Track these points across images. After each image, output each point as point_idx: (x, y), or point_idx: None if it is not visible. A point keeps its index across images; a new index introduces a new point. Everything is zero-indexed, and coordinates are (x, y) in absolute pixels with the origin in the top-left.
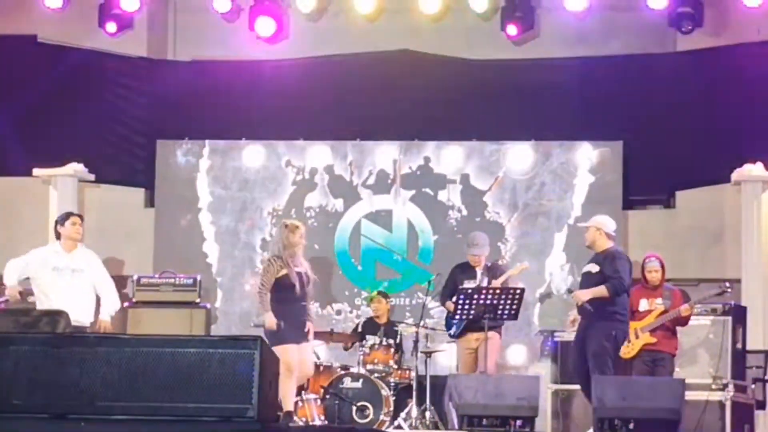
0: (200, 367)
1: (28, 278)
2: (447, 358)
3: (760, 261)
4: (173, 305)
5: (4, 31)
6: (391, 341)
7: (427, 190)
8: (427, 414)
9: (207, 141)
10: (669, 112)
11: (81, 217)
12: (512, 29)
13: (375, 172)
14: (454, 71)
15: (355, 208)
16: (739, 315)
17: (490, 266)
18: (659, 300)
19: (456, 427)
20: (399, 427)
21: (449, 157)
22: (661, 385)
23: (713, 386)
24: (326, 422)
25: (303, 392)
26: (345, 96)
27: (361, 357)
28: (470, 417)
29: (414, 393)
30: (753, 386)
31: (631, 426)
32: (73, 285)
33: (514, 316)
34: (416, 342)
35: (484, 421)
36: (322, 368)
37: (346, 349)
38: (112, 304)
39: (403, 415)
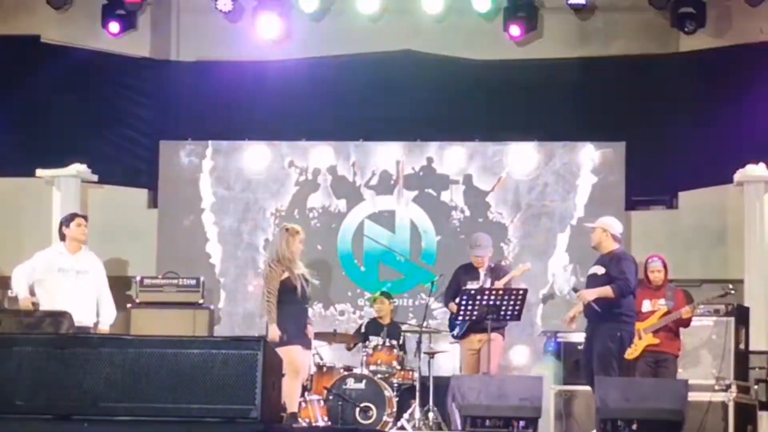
0: (203, 368)
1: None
2: (450, 359)
3: (762, 261)
4: (176, 306)
5: (8, 31)
6: (395, 342)
7: (430, 190)
8: (430, 415)
9: (210, 142)
10: (672, 112)
11: (85, 218)
12: (515, 30)
13: (378, 172)
14: (457, 71)
15: (358, 208)
16: (741, 316)
17: (494, 267)
18: (662, 301)
19: (459, 428)
20: (402, 428)
21: (452, 158)
22: (664, 386)
23: (716, 387)
24: (329, 423)
25: (306, 393)
26: (348, 96)
27: (365, 358)
28: (473, 418)
29: (417, 394)
30: (756, 387)
31: (634, 427)
32: (77, 286)
33: (517, 317)
34: (419, 343)
35: (487, 422)
36: (325, 369)
37: (349, 349)
38: (110, 314)
39: (406, 416)
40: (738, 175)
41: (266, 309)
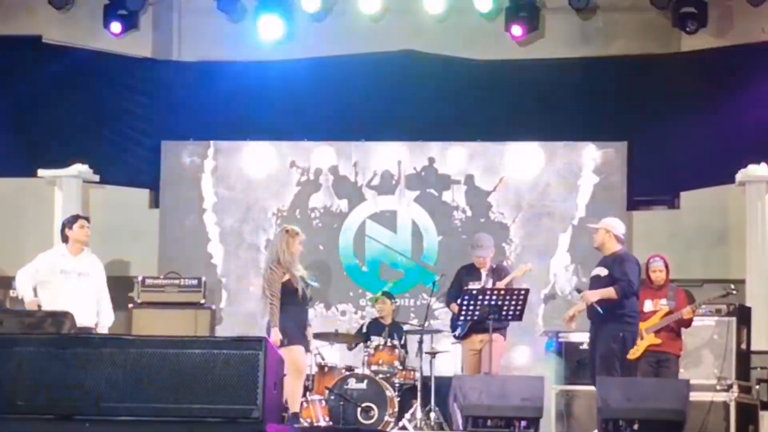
0: (205, 368)
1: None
2: (451, 359)
3: (764, 261)
4: (178, 306)
5: (9, 31)
6: (396, 342)
7: (432, 190)
8: (432, 415)
9: (212, 142)
10: (673, 112)
11: (88, 219)
12: (517, 30)
13: (379, 172)
14: (459, 71)
15: (360, 208)
16: (743, 316)
17: (495, 268)
18: (664, 301)
19: (460, 427)
20: (403, 428)
21: (454, 158)
22: (665, 386)
23: (718, 387)
24: (331, 423)
25: (308, 393)
26: (349, 96)
27: (366, 358)
28: (475, 418)
29: (419, 394)
30: (757, 387)
31: (636, 427)
32: (79, 288)
33: (519, 317)
34: (421, 343)
35: (489, 422)
36: (326, 369)
37: (350, 349)
38: (108, 317)
39: (407, 416)
40: (740, 175)
41: (269, 312)
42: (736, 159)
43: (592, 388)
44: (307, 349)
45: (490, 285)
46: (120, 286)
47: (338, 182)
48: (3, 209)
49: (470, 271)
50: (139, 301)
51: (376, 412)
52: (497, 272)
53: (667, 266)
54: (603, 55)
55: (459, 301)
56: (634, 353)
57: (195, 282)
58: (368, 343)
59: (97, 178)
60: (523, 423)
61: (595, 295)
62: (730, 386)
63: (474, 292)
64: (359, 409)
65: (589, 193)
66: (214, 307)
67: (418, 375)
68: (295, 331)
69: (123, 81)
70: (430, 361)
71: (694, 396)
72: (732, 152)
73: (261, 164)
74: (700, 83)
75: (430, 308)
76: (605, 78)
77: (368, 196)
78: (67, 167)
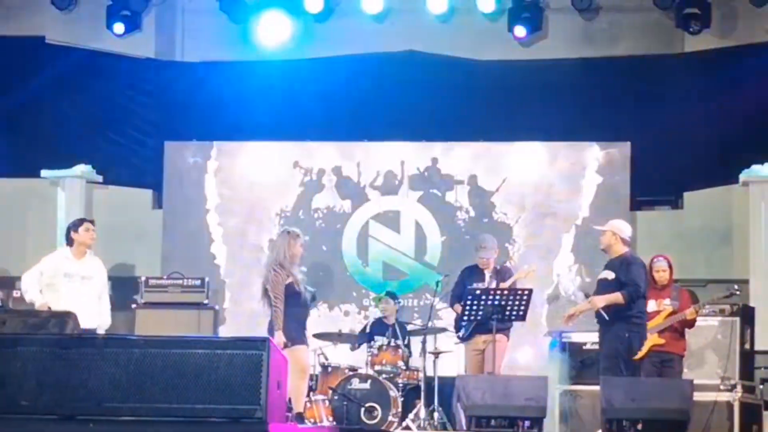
0: (208, 368)
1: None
2: (455, 359)
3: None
4: (181, 306)
5: (12, 32)
6: (400, 342)
7: (435, 191)
8: (435, 415)
9: (215, 142)
10: (677, 112)
11: (93, 222)
12: (520, 30)
13: (383, 173)
14: (462, 72)
15: (363, 209)
16: (747, 316)
17: (499, 269)
18: (667, 301)
19: (464, 427)
20: (407, 428)
21: (457, 158)
22: (669, 385)
23: (721, 387)
24: (334, 423)
25: (311, 393)
26: (352, 97)
27: (369, 358)
28: (478, 418)
29: (422, 394)
30: (761, 387)
31: (640, 427)
32: (82, 291)
33: (522, 317)
34: (424, 343)
35: (492, 422)
36: (330, 369)
37: (353, 349)
38: (106, 321)
39: (411, 416)
40: (743, 176)
41: (273, 315)
42: (739, 159)
43: (596, 387)
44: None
45: (493, 286)
46: (123, 287)
47: (341, 182)
48: (6, 210)
49: (474, 272)
50: (142, 301)
51: (379, 412)
52: (501, 273)
53: (670, 266)
54: (606, 55)
55: (463, 301)
56: (638, 353)
57: (198, 282)
58: (372, 343)
59: (100, 178)
60: (527, 423)
61: (602, 301)
62: (733, 386)
63: (478, 292)
64: (363, 409)
65: (592, 193)
66: (217, 307)
67: (421, 375)
68: (298, 332)
69: (126, 81)
70: (434, 361)
71: (698, 396)
72: (735, 152)
73: (264, 165)
74: (703, 84)
75: (433, 308)
76: (608, 78)
77: (371, 197)
78: (71, 168)
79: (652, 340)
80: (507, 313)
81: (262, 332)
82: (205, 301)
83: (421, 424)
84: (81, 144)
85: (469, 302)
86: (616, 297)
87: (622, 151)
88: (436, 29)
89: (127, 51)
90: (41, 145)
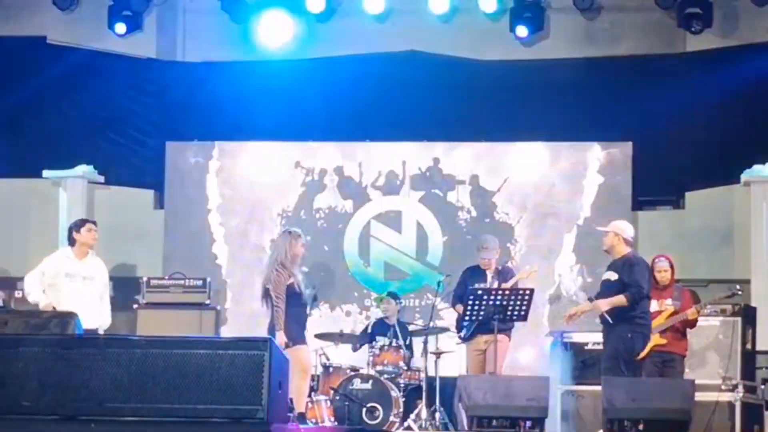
0: (210, 369)
1: None
2: (456, 359)
3: None
4: (183, 306)
5: (14, 32)
6: (401, 342)
7: (437, 191)
8: (437, 415)
9: (216, 142)
10: (678, 112)
11: (95, 223)
12: (522, 30)
13: (384, 173)
14: (463, 72)
15: (365, 209)
16: (748, 316)
17: (501, 269)
18: (669, 301)
19: (465, 428)
20: (409, 428)
21: (458, 158)
22: (670, 385)
23: (723, 387)
24: (336, 423)
25: (313, 393)
26: (354, 97)
27: (371, 358)
28: (480, 418)
29: (424, 394)
30: (763, 387)
31: (641, 427)
32: (84, 292)
33: (524, 318)
34: (426, 343)
35: (494, 422)
36: (331, 369)
37: (355, 350)
38: (106, 321)
39: (412, 416)
40: (745, 175)
41: (275, 315)
42: (741, 159)
43: (597, 388)
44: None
45: (495, 287)
46: (125, 287)
47: (343, 183)
48: (8, 210)
49: (475, 272)
50: (143, 301)
51: (381, 412)
52: (503, 274)
53: (672, 266)
54: (608, 55)
55: (464, 301)
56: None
57: (200, 282)
58: (373, 343)
59: (101, 179)
60: (528, 423)
61: (605, 305)
62: (735, 386)
63: (479, 292)
64: (364, 410)
65: (594, 193)
66: (218, 307)
67: (423, 375)
68: (299, 332)
69: (127, 82)
70: (435, 362)
71: (700, 396)
72: (737, 152)
73: (265, 165)
74: (705, 83)
75: (435, 308)
76: (610, 78)
77: (373, 197)
78: (72, 168)
79: (654, 340)
80: (508, 313)
81: (264, 332)
82: (207, 302)
83: (423, 425)
84: (82, 144)
85: (470, 302)
86: (620, 299)
87: (623, 151)
88: (438, 29)
89: (128, 51)
90: (43, 146)
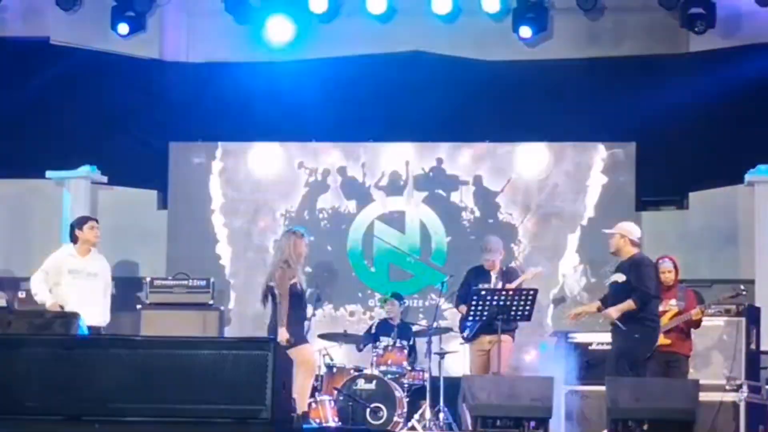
0: (214, 369)
1: None
2: (460, 359)
3: None
4: (186, 307)
5: (17, 33)
6: (405, 342)
7: (440, 191)
8: (441, 415)
9: (219, 143)
10: (682, 112)
11: (97, 221)
12: (525, 30)
13: (387, 173)
14: (466, 72)
15: (368, 209)
16: (753, 316)
17: (505, 270)
18: (673, 301)
19: (470, 428)
20: (413, 428)
21: (462, 159)
22: (675, 386)
23: (727, 387)
24: (340, 424)
25: (317, 394)
26: (357, 97)
27: (375, 358)
28: (484, 418)
29: (428, 394)
30: (767, 387)
31: (645, 427)
32: (88, 288)
33: (528, 318)
34: (429, 343)
35: (498, 422)
36: (335, 370)
37: (359, 350)
38: (106, 320)
39: (416, 416)
40: (749, 176)
41: (278, 312)
42: (744, 159)
43: (602, 388)
44: None
45: (499, 287)
46: (128, 287)
47: (346, 183)
48: (11, 211)
49: (479, 273)
50: (147, 302)
51: (385, 412)
52: (507, 275)
53: (676, 267)
54: (611, 55)
55: (468, 301)
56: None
57: (203, 283)
58: (377, 343)
59: (105, 179)
60: (533, 423)
61: (615, 312)
62: (739, 386)
63: (483, 292)
64: (368, 410)
65: (597, 193)
66: (222, 308)
67: (426, 375)
68: (301, 332)
69: (130, 82)
70: (439, 362)
71: (704, 396)
72: (741, 152)
73: (269, 165)
74: (708, 83)
75: (438, 309)
76: (613, 78)
77: (376, 197)
78: (76, 169)
79: (658, 340)
80: (512, 313)
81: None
82: (211, 302)
83: (427, 425)
84: (86, 145)
85: (474, 302)
86: (628, 304)
87: (627, 151)
88: (441, 30)
89: (131, 52)
90: (46, 146)
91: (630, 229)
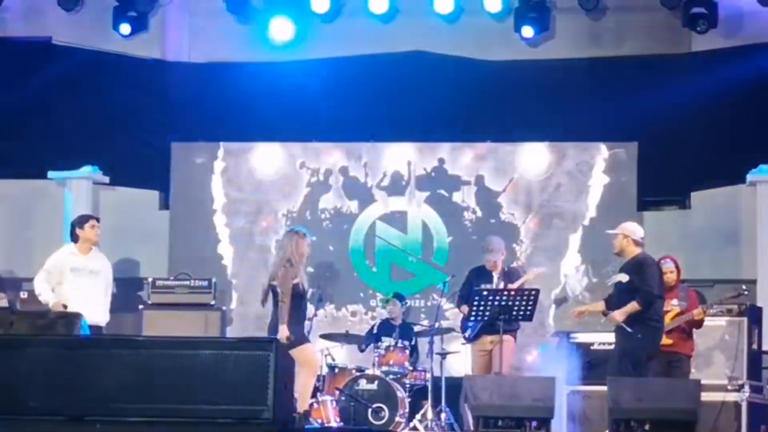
0: (215, 369)
1: None
2: (462, 359)
3: None
4: (188, 307)
5: (19, 33)
6: (407, 343)
7: (442, 191)
8: (443, 415)
9: (221, 143)
10: (684, 112)
11: (98, 219)
12: (527, 30)
13: (389, 173)
14: (468, 72)
15: (370, 209)
16: (754, 316)
17: (507, 270)
18: (675, 301)
19: (471, 428)
20: (414, 428)
21: (464, 159)
22: (677, 386)
23: (729, 387)
24: (341, 424)
25: (318, 394)
26: (359, 97)
27: (377, 358)
28: (485, 418)
29: (429, 394)
30: None
31: (647, 427)
32: (90, 286)
33: (529, 318)
34: (431, 343)
35: (500, 422)
36: (337, 370)
37: (361, 350)
38: (106, 320)
39: (418, 416)
40: (751, 176)
41: (280, 309)
42: (746, 159)
43: (603, 388)
44: None
45: (501, 287)
46: (130, 288)
47: (348, 183)
48: (13, 211)
49: (481, 273)
50: (149, 302)
51: (386, 412)
52: (509, 275)
53: (678, 267)
54: (613, 55)
55: (470, 301)
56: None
57: (205, 283)
58: (379, 344)
59: (107, 179)
60: (534, 423)
61: (621, 315)
62: (741, 386)
63: (485, 293)
64: (370, 410)
65: (599, 193)
66: (224, 308)
67: (428, 376)
68: (303, 332)
69: (132, 82)
70: (441, 362)
71: (706, 396)
72: (743, 152)
73: (271, 165)
74: (710, 83)
75: (440, 309)
76: (615, 78)
77: (378, 197)
78: (77, 169)
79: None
80: (514, 313)
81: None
82: (212, 302)
83: (429, 425)
84: (87, 145)
85: (476, 303)
86: (633, 306)
87: (629, 151)
88: (443, 29)
89: (133, 52)
90: (48, 147)
91: (633, 229)
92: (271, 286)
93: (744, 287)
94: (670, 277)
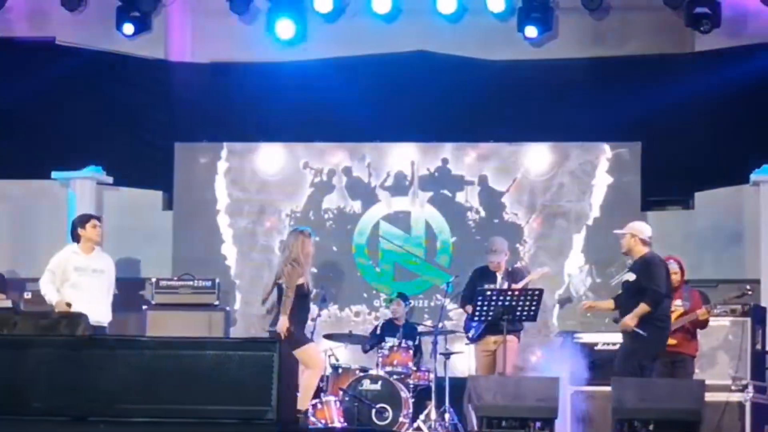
0: (219, 370)
1: None
2: (466, 360)
3: None
4: (192, 307)
5: (23, 33)
6: (410, 343)
7: (445, 191)
8: (446, 416)
9: (225, 143)
10: (687, 112)
11: (100, 219)
12: (530, 30)
13: (393, 173)
14: (472, 72)
15: (373, 209)
16: (758, 316)
17: (511, 271)
18: (679, 302)
19: (475, 428)
20: (418, 428)
21: (467, 159)
22: (680, 386)
23: (733, 387)
24: (345, 424)
25: (322, 394)
26: (362, 97)
27: (380, 359)
28: (489, 418)
29: (433, 395)
30: None
31: (651, 427)
32: (94, 285)
33: (533, 318)
34: (435, 344)
35: (504, 423)
36: (341, 370)
37: (365, 351)
38: (109, 319)
39: (422, 416)
40: (754, 176)
41: (283, 303)
42: (750, 159)
43: (608, 388)
44: None
45: (505, 287)
46: (134, 288)
47: (351, 183)
48: (17, 211)
49: (485, 273)
50: (153, 302)
51: (390, 413)
52: (513, 275)
53: (682, 268)
54: (616, 55)
55: (473, 302)
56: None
57: (209, 283)
58: (382, 344)
59: (110, 180)
60: (538, 424)
61: (632, 320)
62: (745, 386)
63: (488, 293)
64: (374, 410)
65: (603, 193)
66: (228, 308)
67: (432, 376)
68: (305, 333)
69: (136, 82)
70: (445, 362)
71: (710, 396)
72: (746, 152)
73: (274, 165)
74: (713, 83)
75: (444, 309)
76: (619, 78)
77: (382, 197)
78: (81, 169)
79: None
80: (517, 313)
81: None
82: (216, 303)
83: (432, 425)
84: (91, 145)
85: (479, 303)
86: (643, 309)
87: (632, 151)
88: (446, 29)
89: (137, 52)
90: (51, 147)
91: (641, 228)
92: (277, 284)
93: (748, 287)
94: (674, 278)
